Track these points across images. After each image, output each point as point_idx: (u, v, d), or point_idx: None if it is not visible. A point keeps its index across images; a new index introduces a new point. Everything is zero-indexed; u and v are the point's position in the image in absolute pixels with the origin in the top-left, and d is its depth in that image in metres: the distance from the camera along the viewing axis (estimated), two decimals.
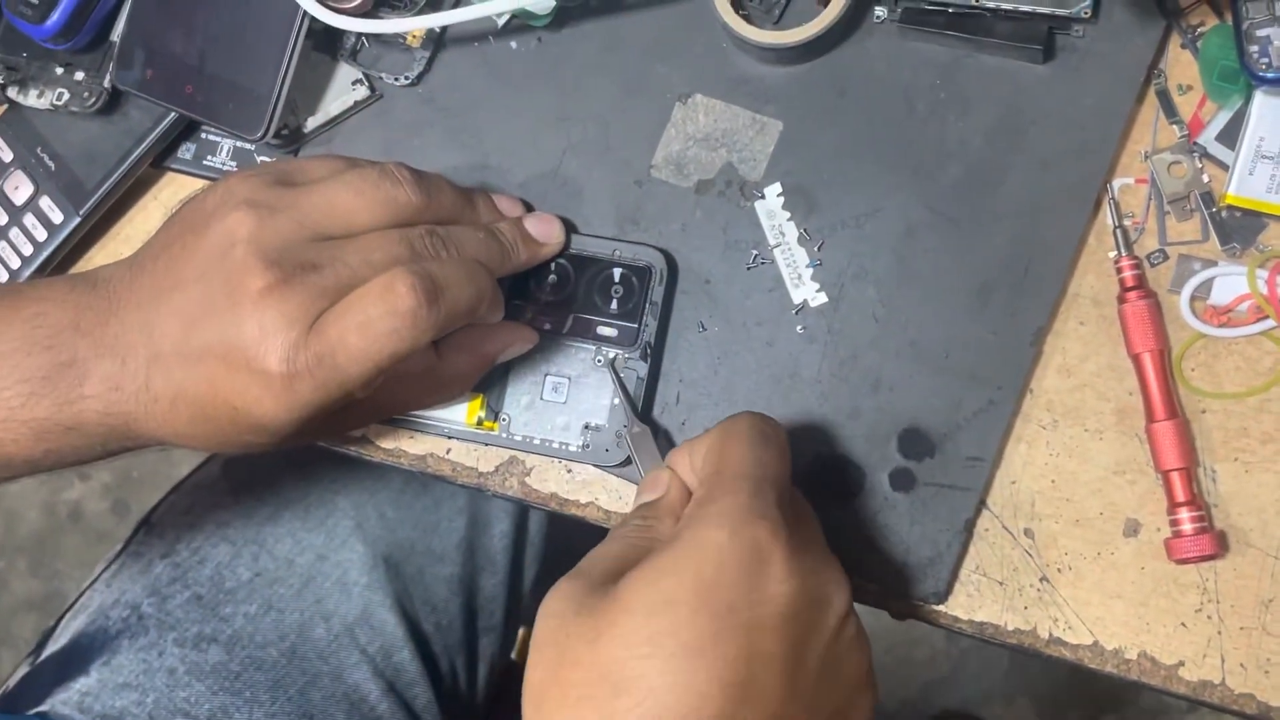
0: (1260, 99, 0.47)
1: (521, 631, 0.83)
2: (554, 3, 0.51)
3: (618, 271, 0.51)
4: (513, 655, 0.83)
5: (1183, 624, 0.47)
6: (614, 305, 0.51)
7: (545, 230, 0.51)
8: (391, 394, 0.48)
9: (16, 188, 0.56)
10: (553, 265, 0.51)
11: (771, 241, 0.51)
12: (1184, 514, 0.47)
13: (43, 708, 0.62)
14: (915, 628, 0.49)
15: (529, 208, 0.52)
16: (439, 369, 0.49)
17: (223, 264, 0.42)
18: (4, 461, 0.45)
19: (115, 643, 0.64)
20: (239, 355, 0.42)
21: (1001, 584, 0.49)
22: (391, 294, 0.42)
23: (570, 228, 0.52)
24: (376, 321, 0.42)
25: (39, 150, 0.56)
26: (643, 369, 0.50)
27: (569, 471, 0.53)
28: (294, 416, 0.42)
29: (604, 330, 0.51)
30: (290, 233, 0.43)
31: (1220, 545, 0.47)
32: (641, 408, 0.50)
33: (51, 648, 0.67)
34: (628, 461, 0.50)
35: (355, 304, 0.42)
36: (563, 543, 0.79)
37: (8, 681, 0.66)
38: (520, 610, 0.77)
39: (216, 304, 0.42)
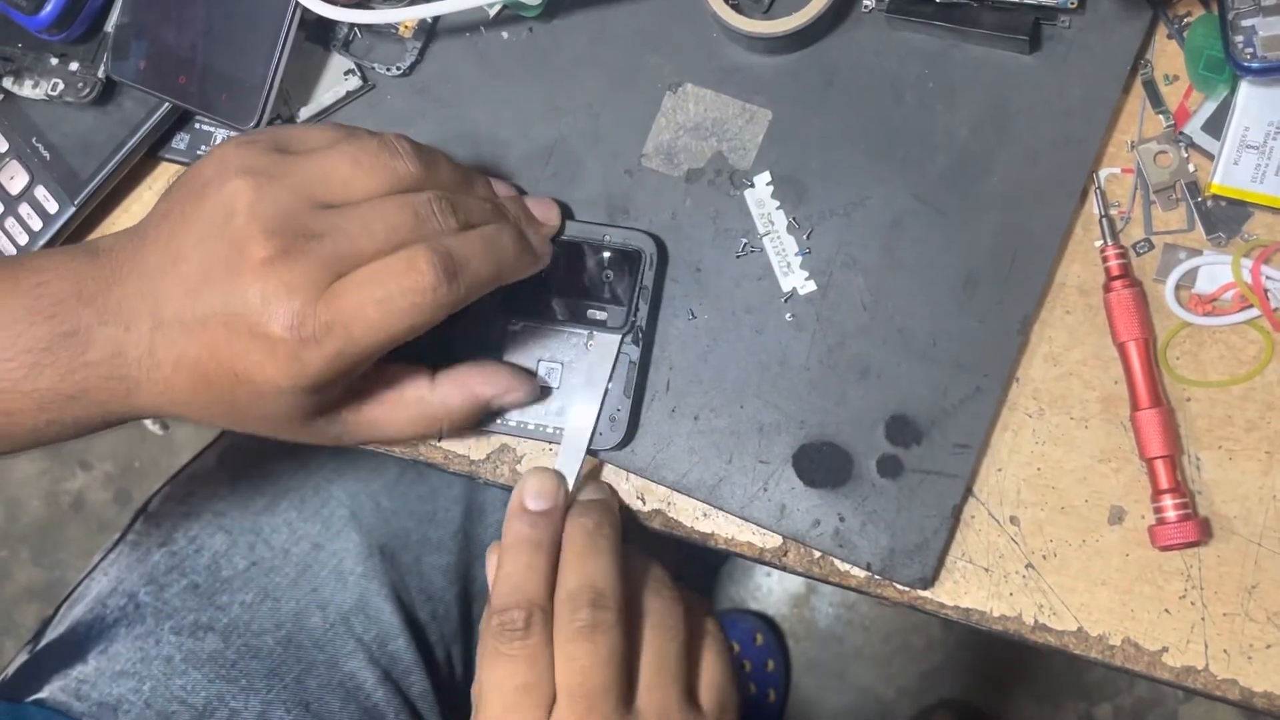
0: (1245, 89, 0.47)
1: None
2: None
3: (608, 256, 0.51)
4: None
5: (1166, 610, 0.48)
6: (605, 290, 0.51)
7: (545, 211, 0.51)
8: (380, 413, 0.48)
9: (12, 178, 0.57)
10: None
11: (761, 230, 0.52)
12: (1168, 501, 0.47)
13: (41, 695, 0.62)
14: (912, 614, 0.49)
15: (522, 193, 0.53)
16: (431, 401, 0.49)
17: (223, 233, 0.43)
18: (6, 433, 0.46)
19: (113, 631, 0.64)
20: (242, 323, 0.42)
21: (987, 570, 0.49)
22: (413, 271, 0.42)
23: (565, 212, 0.52)
24: (396, 297, 0.42)
25: (34, 140, 0.57)
26: (635, 353, 0.51)
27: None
28: (295, 384, 0.43)
29: (595, 314, 0.51)
30: (288, 201, 0.43)
31: (1204, 532, 0.47)
32: (633, 393, 0.51)
33: (50, 636, 0.67)
34: (621, 445, 0.51)
35: (375, 277, 0.42)
36: None
37: (6, 669, 0.67)
38: None
39: (218, 273, 0.42)
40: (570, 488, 0.49)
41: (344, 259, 0.43)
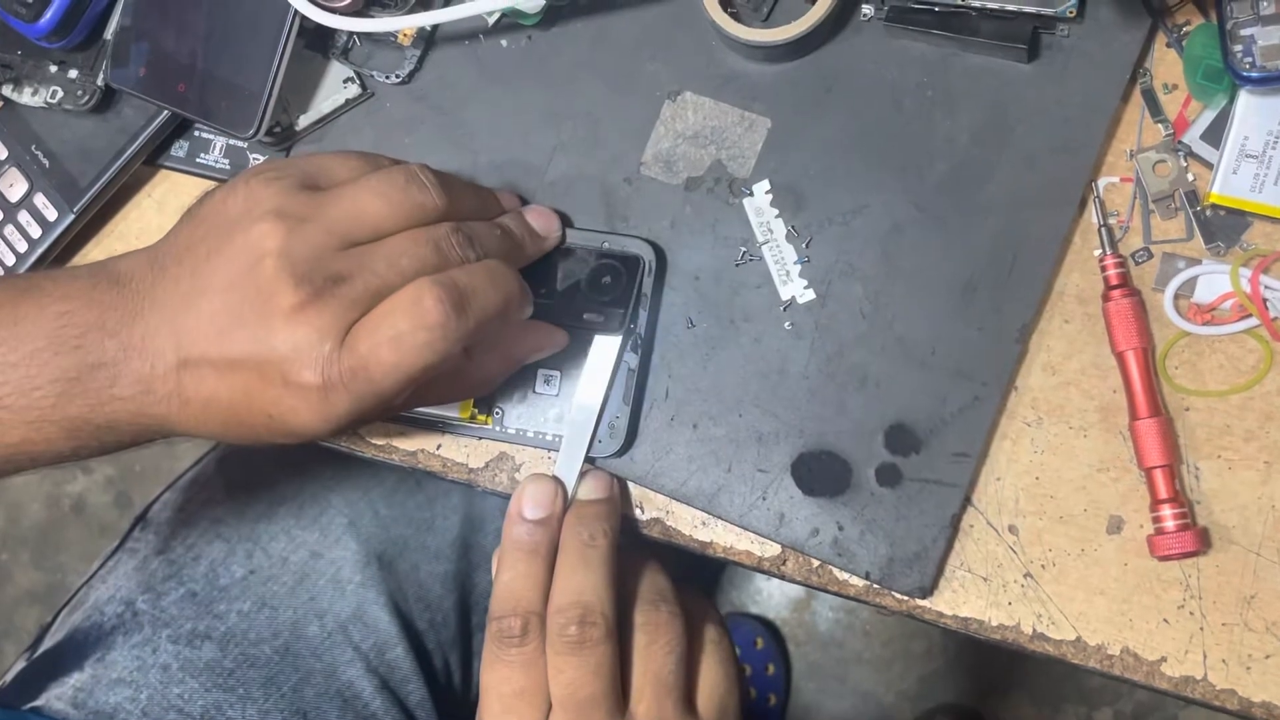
0: (1244, 98, 0.47)
1: None
2: (544, 1, 0.51)
3: (607, 263, 0.51)
4: None
5: (1165, 620, 0.48)
6: (603, 297, 0.51)
7: (545, 224, 0.51)
8: (420, 393, 0.48)
9: (11, 185, 0.57)
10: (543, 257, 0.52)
11: (760, 238, 0.52)
12: (1167, 511, 0.47)
13: (37, 703, 0.62)
14: (912, 621, 0.50)
15: (524, 203, 0.53)
16: (467, 370, 0.49)
17: (252, 276, 0.42)
18: (33, 457, 0.46)
19: (110, 639, 0.64)
20: (273, 369, 0.42)
21: (986, 580, 0.49)
22: (420, 308, 0.42)
23: (565, 221, 0.52)
24: (407, 336, 0.42)
25: (33, 148, 0.56)
26: (634, 360, 0.51)
27: None
28: (330, 426, 0.43)
29: (594, 322, 0.51)
30: (319, 243, 0.43)
31: (1203, 542, 0.47)
32: (632, 401, 0.51)
33: (48, 643, 0.67)
34: (619, 453, 0.51)
35: (385, 318, 0.42)
36: None
37: (4, 676, 0.67)
38: None
39: (247, 317, 0.42)
40: (570, 491, 0.49)
41: (372, 298, 0.43)
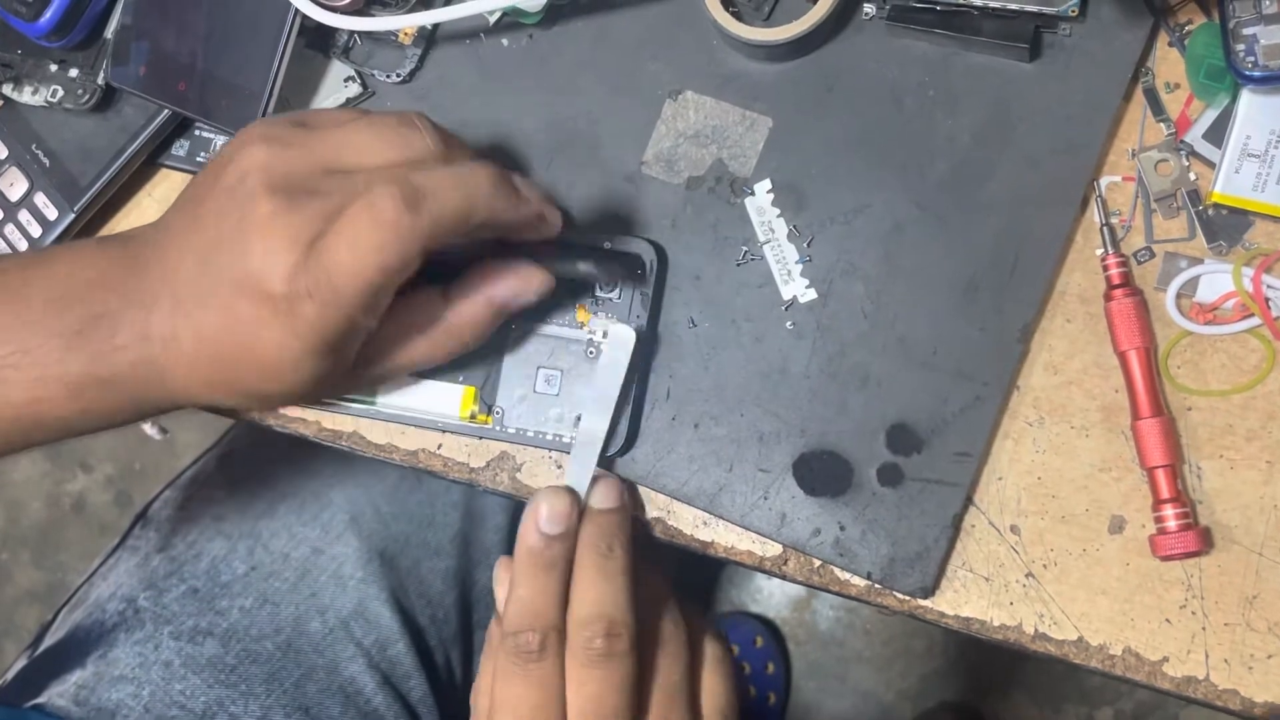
0: (1247, 97, 0.47)
1: None
2: (545, 0, 0.51)
3: (608, 263, 0.51)
4: None
5: (1167, 620, 0.48)
6: (605, 297, 0.51)
7: (549, 210, 0.50)
8: (404, 346, 0.47)
9: (11, 184, 0.57)
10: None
11: (761, 238, 0.51)
12: (1169, 511, 0.47)
13: (39, 700, 0.62)
14: (913, 620, 0.50)
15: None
16: (448, 319, 0.48)
17: (235, 197, 0.42)
18: (40, 423, 0.45)
19: (111, 636, 0.64)
20: (249, 282, 0.41)
21: (988, 580, 0.49)
22: (373, 208, 0.41)
23: (565, 218, 0.52)
24: (363, 235, 0.41)
25: (33, 147, 0.56)
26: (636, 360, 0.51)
27: (559, 467, 0.53)
28: (302, 345, 0.42)
29: (595, 322, 0.51)
30: (300, 163, 0.43)
31: (1205, 542, 0.47)
32: (633, 401, 0.51)
33: (49, 641, 0.67)
34: (621, 453, 0.51)
35: (344, 221, 0.41)
36: None
37: (5, 674, 0.67)
38: None
39: (227, 235, 0.42)
40: (583, 499, 0.48)
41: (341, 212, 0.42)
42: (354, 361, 0.46)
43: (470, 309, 0.48)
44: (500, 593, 0.48)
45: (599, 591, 0.46)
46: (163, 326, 0.43)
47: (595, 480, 0.49)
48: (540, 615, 0.45)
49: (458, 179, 0.43)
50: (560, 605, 0.46)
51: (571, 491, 0.48)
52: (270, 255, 0.41)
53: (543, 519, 0.47)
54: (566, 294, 0.51)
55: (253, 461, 0.71)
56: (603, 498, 0.49)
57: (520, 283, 0.48)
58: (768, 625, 1.29)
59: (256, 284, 0.41)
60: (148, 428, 0.89)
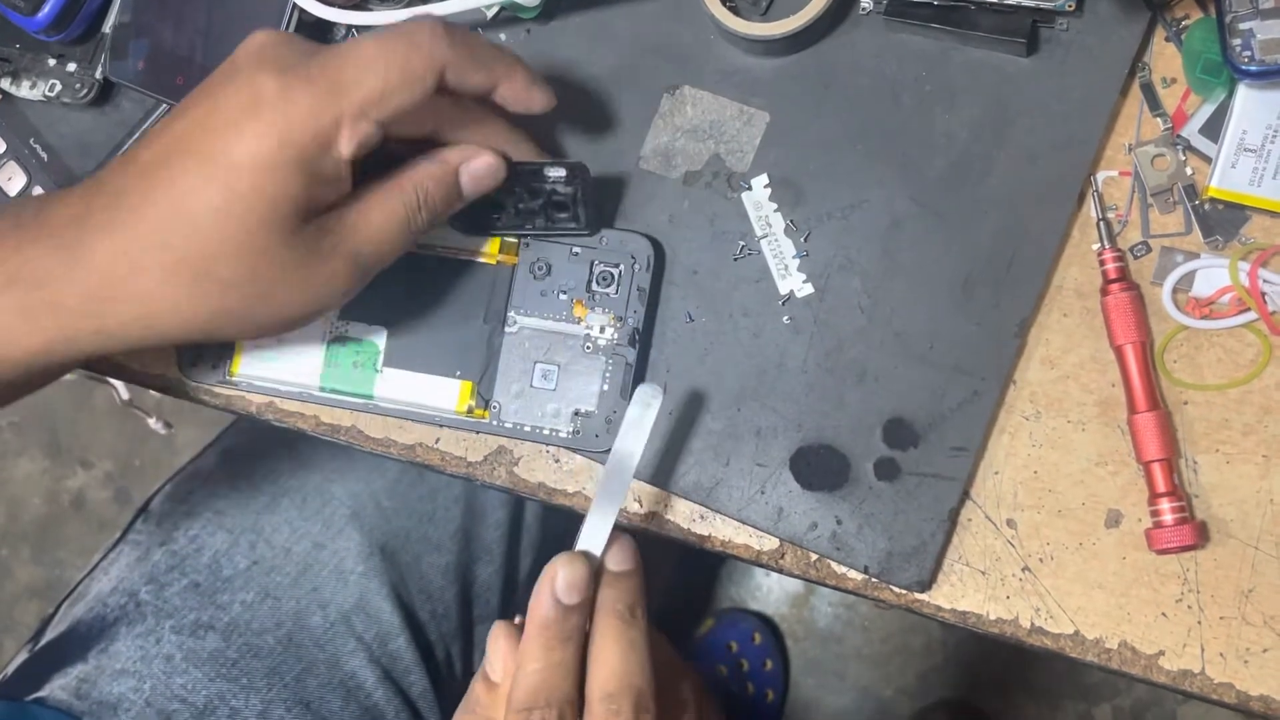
0: (1243, 92, 0.47)
1: (517, 621, 0.83)
2: None
3: (604, 257, 0.51)
4: None
5: (1163, 614, 0.48)
6: (602, 292, 0.51)
7: (526, 76, 0.48)
8: (365, 221, 0.45)
9: (10, 178, 0.57)
10: (537, 257, 0.52)
11: (758, 232, 0.52)
12: (1165, 505, 0.47)
13: (40, 693, 0.62)
14: (911, 615, 0.50)
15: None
16: (400, 184, 0.46)
17: (227, 76, 0.43)
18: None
19: (113, 630, 0.64)
20: (227, 97, 0.42)
21: (984, 574, 0.49)
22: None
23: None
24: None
25: (32, 141, 0.57)
26: (631, 355, 0.51)
27: (556, 461, 0.53)
28: (280, 138, 0.41)
29: (592, 317, 0.51)
30: (296, 50, 0.43)
31: (1201, 536, 0.47)
32: (630, 396, 0.51)
33: (50, 634, 0.67)
34: None
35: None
36: (557, 532, 0.79)
37: (6, 668, 0.67)
38: (516, 599, 0.77)
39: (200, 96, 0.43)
40: (600, 557, 0.46)
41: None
42: (309, 229, 0.44)
43: (428, 165, 0.47)
44: (497, 657, 0.46)
45: (624, 661, 0.43)
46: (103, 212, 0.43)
47: (612, 540, 0.46)
48: (556, 689, 0.43)
49: (398, 35, 0.44)
50: (576, 677, 0.44)
51: (588, 558, 0.45)
52: (257, 79, 0.42)
53: (560, 587, 0.44)
54: (563, 289, 0.52)
55: (254, 456, 0.72)
56: (620, 559, 0.46)
57: (474, 151, 0.47)
58: (766, 622, 1.29)
59: (240, 93, 0.42)
60: (152, 421, 0.89)
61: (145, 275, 0.42)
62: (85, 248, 0.42)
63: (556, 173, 0.48)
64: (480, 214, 0.50)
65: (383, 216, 0.45)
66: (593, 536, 0.46)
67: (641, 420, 0.47)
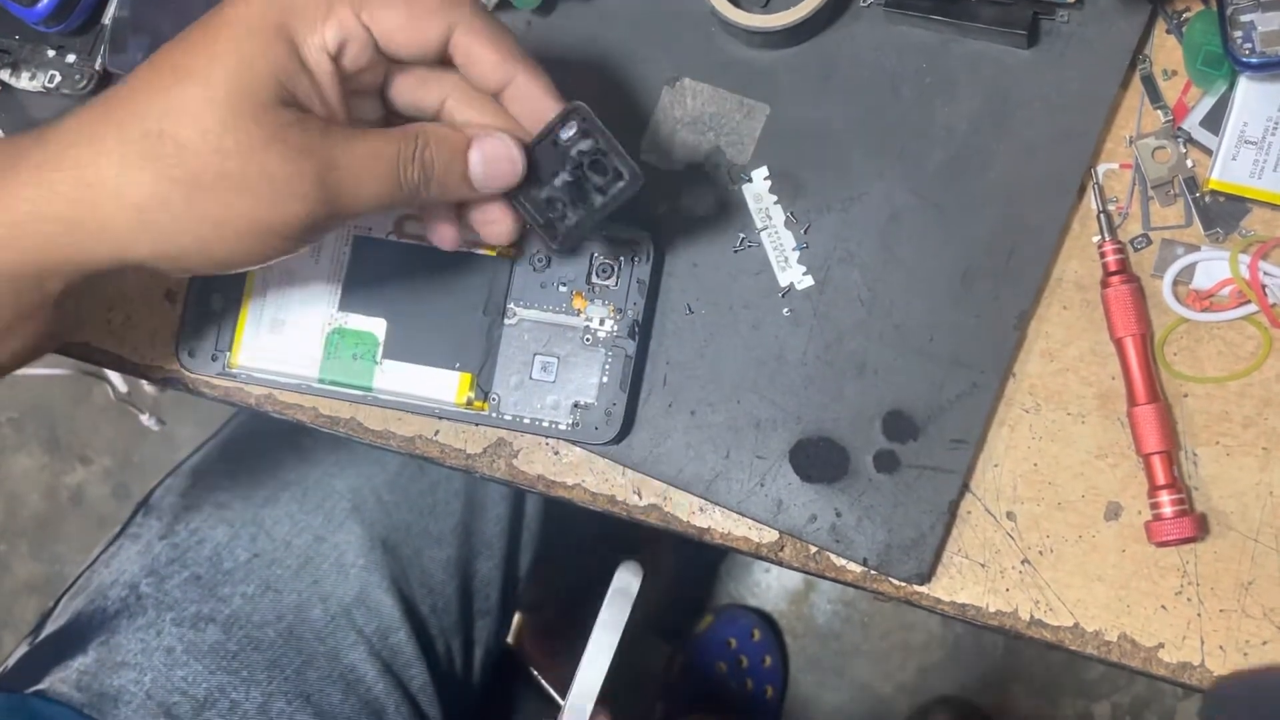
0: (1244, 84, 0.47)
1: (518, 616, 0.83)
2: None
3: (605, 251, 0.51)
4: (508, 639, 0.84)
5: (1163, 606, 0.48)
6: (602, 286, 0.51)
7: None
8: (359, 167, 0.42)
9: None
10: (538, 246, 0.52)
11: (759, 225, 0.52)
12: (1165, 497, 0.47)
13: (41, 686, 0.62)
14: (910, 611, 0.50)
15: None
16: (392, 136, 0.43)
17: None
18: None
19: (114, 622, 0.64)
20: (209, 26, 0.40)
21: (984, 566, 0.49)
22: None
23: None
24: None
25: None
26: (631, 347, 0.51)
27: (556, 454, 0.53)
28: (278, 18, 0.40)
29: (593, 309, 0.51)
30: None
31: (1200, 528, 0.47)
32: (629, 388, 0.51)
33: (50, 628, 0.67)
34: (617, 439, 0.51)
35: None
36: (558, 527, 0.79)
37: (7, 661, 0.67)
38: (516, 594, 0.77)
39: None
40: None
41: None
42: (303, 129, 0.41)
43: (436, 126, 0.44)
44: None
45: None
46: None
47: None
48: None
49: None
50: None
51: None
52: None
53: None
54: (562, 281, 0.51)
55: (255, 449, 0.72)
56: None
57: (489, 131, 0.45)
58: (765, 618, 1.29)
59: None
60: (144, 418, 0.89)
61: (98, 143, 0.39)
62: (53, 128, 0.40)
63: (568, 131, 0.44)
64: (553, 221, 0.46)
65: (369, 150, 0.42)
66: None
67: (610, 629, 0.50)
